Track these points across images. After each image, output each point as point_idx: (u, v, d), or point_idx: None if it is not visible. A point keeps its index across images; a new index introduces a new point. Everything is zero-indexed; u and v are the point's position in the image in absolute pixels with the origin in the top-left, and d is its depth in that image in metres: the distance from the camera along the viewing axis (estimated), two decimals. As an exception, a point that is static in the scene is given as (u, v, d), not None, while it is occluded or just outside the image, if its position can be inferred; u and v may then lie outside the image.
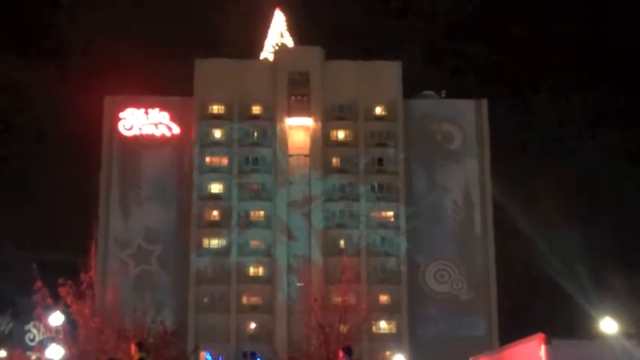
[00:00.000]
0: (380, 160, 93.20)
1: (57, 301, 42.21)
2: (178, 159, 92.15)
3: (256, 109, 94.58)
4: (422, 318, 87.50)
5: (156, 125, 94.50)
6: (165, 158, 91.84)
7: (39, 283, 41.20)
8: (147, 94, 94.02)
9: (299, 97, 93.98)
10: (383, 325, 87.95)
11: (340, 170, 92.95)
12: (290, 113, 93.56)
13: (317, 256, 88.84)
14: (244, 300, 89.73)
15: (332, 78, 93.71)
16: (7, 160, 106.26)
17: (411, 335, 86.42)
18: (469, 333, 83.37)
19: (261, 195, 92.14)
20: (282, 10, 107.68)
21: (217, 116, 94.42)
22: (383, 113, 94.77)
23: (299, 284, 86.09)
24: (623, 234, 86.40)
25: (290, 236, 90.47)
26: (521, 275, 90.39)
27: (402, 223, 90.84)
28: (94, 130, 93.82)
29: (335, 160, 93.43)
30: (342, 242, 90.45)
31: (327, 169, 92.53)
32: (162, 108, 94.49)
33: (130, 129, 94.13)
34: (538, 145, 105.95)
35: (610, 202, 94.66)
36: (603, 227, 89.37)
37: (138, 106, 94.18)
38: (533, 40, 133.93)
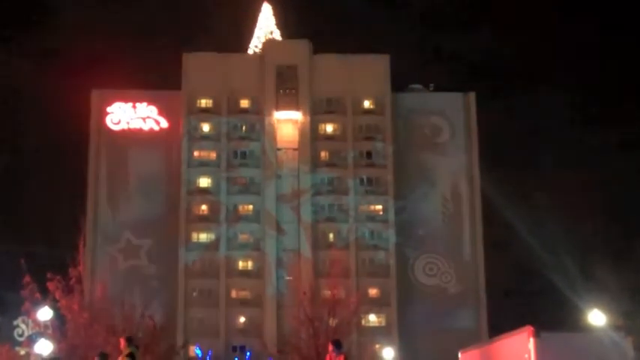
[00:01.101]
0: (368, 154, 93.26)
1: (45, 296, 42.07)
2: (166, 153, 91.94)
3: (244, 103, 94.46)
4: (411, 311, 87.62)
5: (144, 119, 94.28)
6: (153, 152, 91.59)
7: (27, 278, 41.00)
8: (134, 88, 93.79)
9: (287, 91, 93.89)
10: (372, 319, 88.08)
11: (329, 164, 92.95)
12: (278, 107, 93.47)
13: (306, 250, 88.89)
14: (233, 294, 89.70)
15: (320, 71, 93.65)
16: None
17: (400, 328, 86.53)
18: (458, 326, 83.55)
19: (250, 189, 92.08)
20: (270, 4, 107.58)
21: (205, 110, 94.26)
22: (371, 107, 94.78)
23: (288, 278, 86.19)
24: (611, 227, 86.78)
25: (279, 230, 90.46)
26: (509, 268, 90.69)
27: (391, 216, 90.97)
28: (82, 124, 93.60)
29: (323, 154, 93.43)
30: (331, 236, 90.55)
31: (316, 163, 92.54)
32: (150, 102, 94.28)
33: (118, 123, 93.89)
34: (526, 138, 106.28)
35: (598, 194, 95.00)
36: (591, 220, 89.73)
37: (125, 100, 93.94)
38: (522, 33, 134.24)
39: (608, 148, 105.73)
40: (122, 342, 22.29)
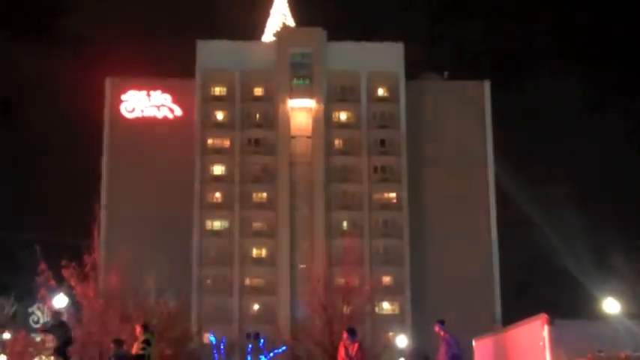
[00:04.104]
0: (382, 142, 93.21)
1: (61, 283, 42.13)
2: (180, 141, 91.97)
3: (258, 91, 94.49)
4: (425, 299, 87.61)
5: (158, 107, 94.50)
6: (167, 140, 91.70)
7: (42, 266, 41.07)
8: (148, 76, 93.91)
9: (301, 79, 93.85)
10: (386, 306, 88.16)
11: (343, 152, 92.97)
12: (292, 95, 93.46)
13: (320, 238, 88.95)
14: (247, 281, 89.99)
15: (334, 59, 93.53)
16: (9, 142, 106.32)
17: (414, 316, 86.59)
18: (472, 314, 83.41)
19: (264, 177, 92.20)
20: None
21: (219, 98, 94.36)
22: (385, 94, 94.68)
23: (302, 266, 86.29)
24: (627, 214, 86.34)
25: (292, 218, 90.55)
26: (524, 256, 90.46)
27: (405, 204, 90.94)
28: (96, 112, 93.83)
29: (337, 142, 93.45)
30: (345, 224, 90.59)
31: (330, 151, 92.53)
32: (164, 90, 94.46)
33: (132, 111, 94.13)
34: (541, 125, 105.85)
35: (613, 181, 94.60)
36: (607, 207, 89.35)
37: (139, 88, 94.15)
38: (532, 21, 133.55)
39: (625, 134, 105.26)
40: (138, 328, 22.37)
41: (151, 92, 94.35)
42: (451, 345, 23.58)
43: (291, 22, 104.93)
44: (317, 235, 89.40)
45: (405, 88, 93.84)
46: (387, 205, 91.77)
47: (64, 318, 28.56)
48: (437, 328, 24.37)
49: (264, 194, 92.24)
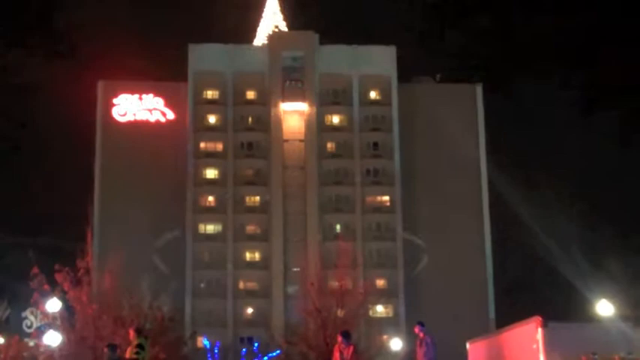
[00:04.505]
0: (375, 145, 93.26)
1: (54, 287, 42.03)
2: (173, 145, 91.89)
3: (250, 94, 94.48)
4: (418, 302, 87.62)
5: (150, 111, 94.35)
6: (159, 144, 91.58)
7: (36, 270, 40.97)
8: (141, 79, 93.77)
9: (293, 82, 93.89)
10: (379, 310, 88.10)
11: (335, 155, 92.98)
12: (284, 98, 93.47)
13: (313, 241, 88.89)
14: (241, 285, 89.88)
15: (326, 62, 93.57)
16: (0, 145, 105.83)
17: (408, 319, 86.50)
18: (466, 317, 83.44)
19: (257, 180, 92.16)
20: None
21: (212, 101, 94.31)
22: (378, 97, 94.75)
23: (295, 269, 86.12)
24: (620, 216, 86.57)
25: (286, 221, 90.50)
26: (517, 258, 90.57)
27: (398, 207, 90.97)
28: (89, 115, 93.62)
29: (330, 145, 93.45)
30: (338, 227, 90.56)
31: (323, 154, 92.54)
32: (157, 93, 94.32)
33: (124, 115, 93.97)
34: (534, 128, 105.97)
35: (607, 184, 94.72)
36: (600, 210, 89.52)
37: (132, 92, 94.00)
38: (532, 21, 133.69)
39: (618, 136, 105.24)
40: (131, 333, 22.34)
41: (144, 96, 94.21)
42: (430, 346, 23.93)
43: (283, 26, 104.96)
44: (310, 239, 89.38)
45: (397, 90, 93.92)
46: (380, 208, 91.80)
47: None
48: (417, 330, 24.71)
49: (257, 198, 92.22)
